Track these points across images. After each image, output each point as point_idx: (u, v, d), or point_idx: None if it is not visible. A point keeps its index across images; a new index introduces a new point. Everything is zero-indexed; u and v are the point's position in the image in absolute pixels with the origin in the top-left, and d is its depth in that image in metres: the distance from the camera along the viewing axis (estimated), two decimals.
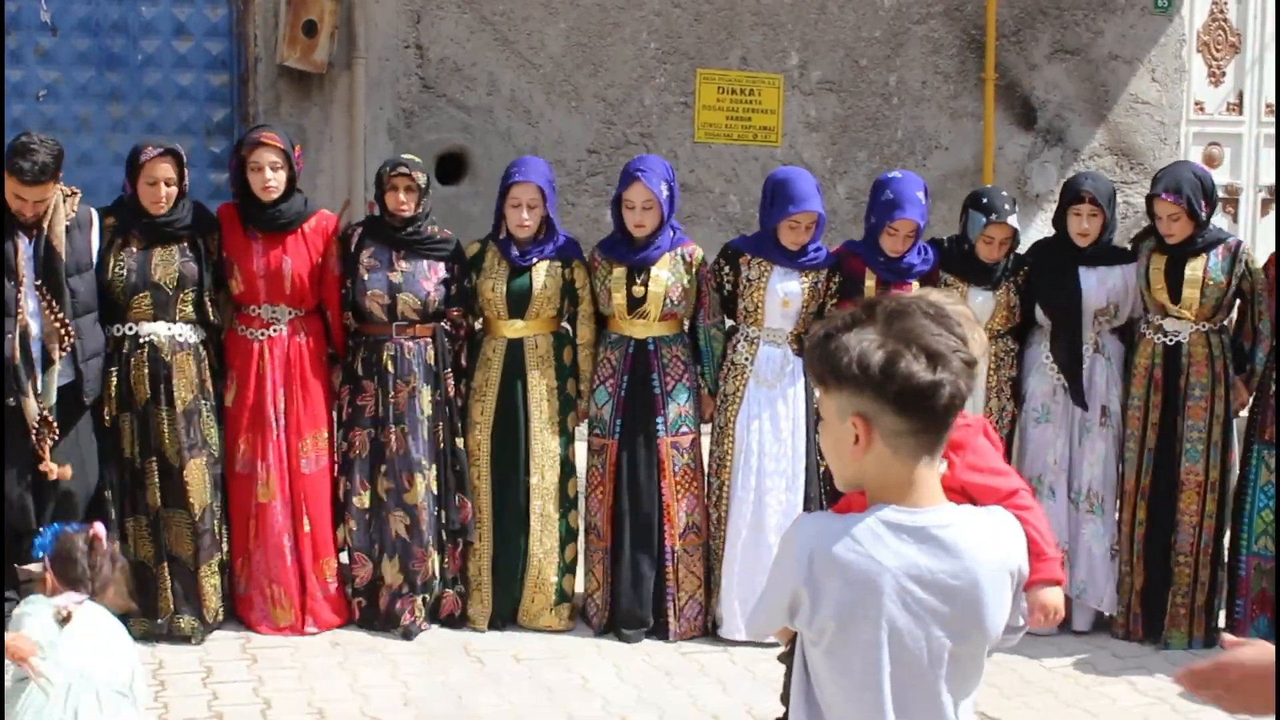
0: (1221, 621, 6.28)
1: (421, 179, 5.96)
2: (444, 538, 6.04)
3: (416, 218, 5.96)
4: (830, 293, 6.13)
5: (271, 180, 5.77)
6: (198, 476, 5.76)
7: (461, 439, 6.05)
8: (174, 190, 5.70)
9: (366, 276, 5.93)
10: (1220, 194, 7.37)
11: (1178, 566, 6.15)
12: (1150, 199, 6.14)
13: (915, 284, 6.10)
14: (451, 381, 6.02)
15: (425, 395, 5.95)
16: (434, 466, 5.99)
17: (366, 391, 5.96)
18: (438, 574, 6.00)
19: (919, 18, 8.50)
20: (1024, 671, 5.87)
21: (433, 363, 5.99)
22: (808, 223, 5.98)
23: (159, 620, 5.76)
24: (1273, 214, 9.05)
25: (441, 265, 6.00)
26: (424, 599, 5.98)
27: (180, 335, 5.76)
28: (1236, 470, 6.25)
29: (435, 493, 5.99)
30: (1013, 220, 6.13)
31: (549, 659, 5.82)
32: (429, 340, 5.98)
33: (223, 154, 7.47)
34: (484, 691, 5.44)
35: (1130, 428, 6.23)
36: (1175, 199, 5.98)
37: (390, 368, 5.93)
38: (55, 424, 5.46)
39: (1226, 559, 6.24)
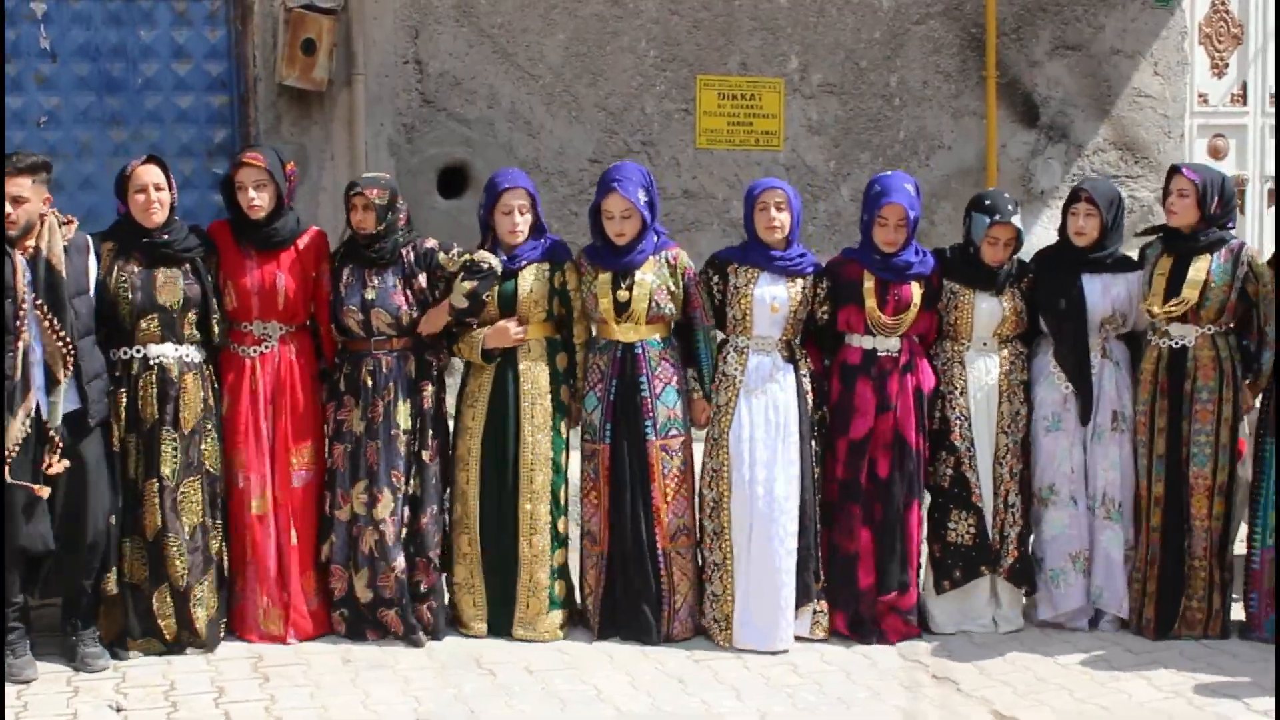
0: (1236, 614, 6.26)
1: (379, 197, 5.96)
2: (412, 551, 6.05)
3: (378, 235, 5.98)
4: (819, 299, 6.14)
5: (255, 199, 5.85)
6: (192, 496, 5.80)
7: (428, 451, 6.06)
8: (165, 196, 5.75)
9: (344, 293, 5.99)
10: None
11: (1192, 571, 6.13)
12: (1171, 173, 6.16)
13: (915, 285, 6.10)
14: (429, 393, 6.05)
15: (403, 409, 5.98)
16: (410, 480, 6.02)
17: (347, 406, 6.03)
18: (405, 589, 6.01)
19: (918, 18, 8.48)
20: (1038, 669, 5.84)
21: (413, 375, 6.02)
22: (782, 221, 6.03)
23: (168, 644, 5.83)
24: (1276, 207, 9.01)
25: (421, 276, 6.01)
26: (396, 612, 6.00)
27: (188, 356, 5.82)
28: (1249, 468, 6.22)
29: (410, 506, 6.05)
30: (1016, 220, 6.13)
31: (561, 669, 5.80)
32: (409, 353, 6.01)
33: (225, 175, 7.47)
34: (496, 704, 5.42)
35: (1139, 434, 6.21)
36: (1194, 176, 6.04)
37: (369, 382, 5.97)
38: (60, 443, 5.47)
39: (1245, 553, 6.21)
